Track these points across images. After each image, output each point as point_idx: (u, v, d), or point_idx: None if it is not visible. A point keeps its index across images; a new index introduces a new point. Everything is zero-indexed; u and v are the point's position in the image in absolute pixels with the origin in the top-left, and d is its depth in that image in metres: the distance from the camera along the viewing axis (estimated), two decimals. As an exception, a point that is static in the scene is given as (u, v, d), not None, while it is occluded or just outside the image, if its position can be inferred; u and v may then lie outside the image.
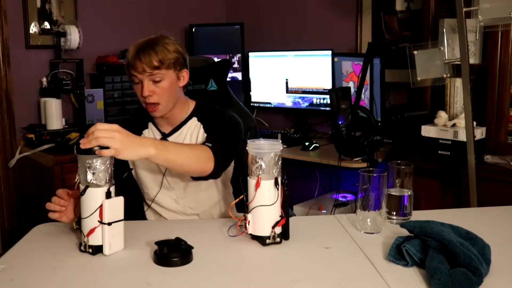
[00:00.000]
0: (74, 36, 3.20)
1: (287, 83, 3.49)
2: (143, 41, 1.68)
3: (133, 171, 1.81)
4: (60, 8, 3.28)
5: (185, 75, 1.73)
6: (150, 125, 1.81)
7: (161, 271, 1.22)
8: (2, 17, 3.03)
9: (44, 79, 3.26)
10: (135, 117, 1.92)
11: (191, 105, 1.80)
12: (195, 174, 1.57)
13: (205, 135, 1.72)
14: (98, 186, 1.30)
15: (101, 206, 1.29)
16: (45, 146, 2.99)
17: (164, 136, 1.77)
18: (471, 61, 2.44)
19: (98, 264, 1.27)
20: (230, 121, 1.78)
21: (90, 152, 1.27)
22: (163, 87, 1.66)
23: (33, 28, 3.20)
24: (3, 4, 3.03)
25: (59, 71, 3.27)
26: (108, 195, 1.29)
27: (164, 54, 1.65)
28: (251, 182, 1.37)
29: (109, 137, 1.27)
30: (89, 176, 1.29)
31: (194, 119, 1.77)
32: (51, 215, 1.44)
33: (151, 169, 1.78)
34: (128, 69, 1.68)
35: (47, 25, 3.25)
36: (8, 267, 1.24)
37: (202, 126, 1.75)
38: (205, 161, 1.52)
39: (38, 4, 3.20)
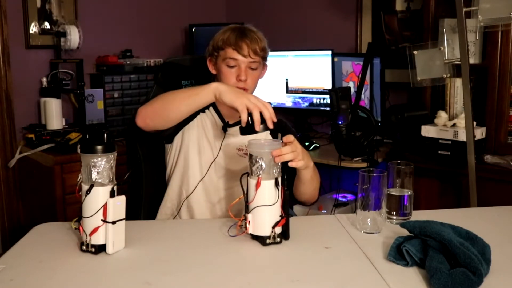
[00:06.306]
0: (74, 36, 3.20)
1: (287, 83, 3.49)
2: (238, 26, 1.65)
3: (181, 155, 1.72)
4: (60, 8, 3.28)
5: (264, 70, 1.73)
6: (211, 109, 1.73)
7: (161, 271, 1.22)
8: (2, 17, 3.03)
9: (44, 79, 3.26)
10: None
11: None
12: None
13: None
14: (102, 185, 1.30)
15: (105, 205, 1.29)
16: (45, 146, 2.99)
17: (226, 125, 1.72)
18: (471, 61, 2.43)
19: (98, 264, 1.27)
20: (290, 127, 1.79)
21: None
22: (255, 76, 1.66)
23: (33, 28, 3.20)
24: (3, 4, 3.03)
25: (59, 71, 3.26)
26: (112, 194, 1.30)
27: (263, 44, 1.66)
28: (251, 182, 1.37)
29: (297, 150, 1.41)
30: (94, 175, 1.29)
31: None
32: None
33: (204, 153, 1.71)
34: (221, 49, 1.62)
35: (47, 25, 3.25)
36: (8, 267, 1.24)
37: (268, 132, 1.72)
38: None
39: (38, 4, 3.20)
